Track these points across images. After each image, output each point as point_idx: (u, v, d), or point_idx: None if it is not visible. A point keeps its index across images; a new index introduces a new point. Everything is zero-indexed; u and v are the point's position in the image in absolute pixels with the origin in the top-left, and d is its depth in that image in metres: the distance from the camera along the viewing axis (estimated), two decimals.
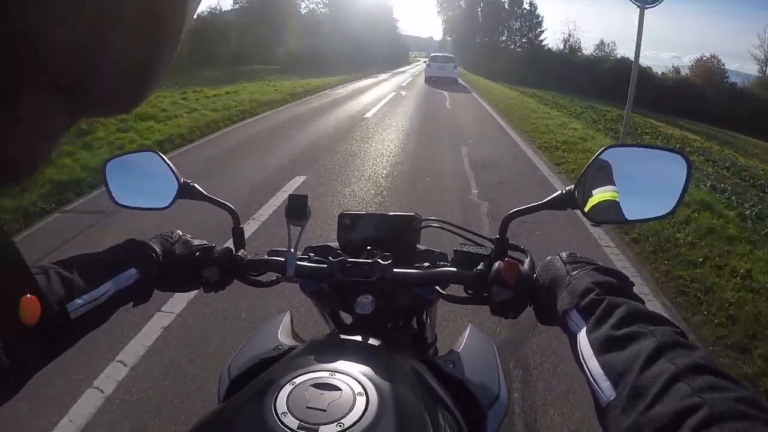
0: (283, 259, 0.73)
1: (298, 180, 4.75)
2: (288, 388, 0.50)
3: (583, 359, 0.45)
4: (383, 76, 25.53)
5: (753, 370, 2.16)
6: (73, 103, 0.19)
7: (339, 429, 0.45)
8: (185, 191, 0.75)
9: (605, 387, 0.41)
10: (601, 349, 0.43)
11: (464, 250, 0.73)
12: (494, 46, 39.70)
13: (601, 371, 0.42)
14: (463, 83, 21.44)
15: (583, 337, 0.46)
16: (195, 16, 0.23)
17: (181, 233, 0.73)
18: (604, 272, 0.54)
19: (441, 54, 23.87)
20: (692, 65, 33.00)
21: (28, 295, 0.42)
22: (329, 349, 0.63)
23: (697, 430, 0.32)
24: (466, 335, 0.85)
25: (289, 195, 0.73)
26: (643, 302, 0.49)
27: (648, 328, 0.43)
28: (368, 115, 9.66)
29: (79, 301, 0.51)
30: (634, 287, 0.53)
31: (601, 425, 0.41)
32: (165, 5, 0.19)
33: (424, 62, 27.73)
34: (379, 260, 0.70)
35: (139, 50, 0.19)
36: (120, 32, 0.17)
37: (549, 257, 0.62)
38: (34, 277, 0.47)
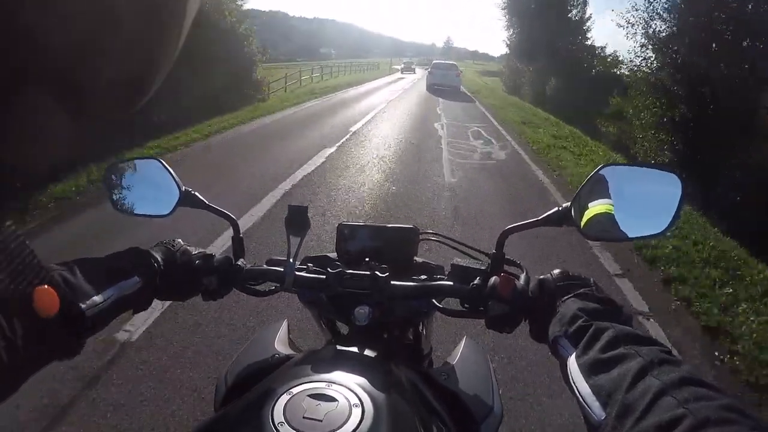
0: (281, 269, 0.74)
1: None
2: (285, 398, 0.50)
3: (574, 382, 0.47)
4: None
5: None
6: (74, 104, 0.19)
7: None
8: (186, 199, 0.76)
9: (595, 407, 0.42)
10: (590, 371, 0.45)
11: (461, 264, 0.74)
12: None
13: (590, 392, 0.43)
14: None
15: (572, 362, 0.48)
16: None
17: (182, 242, 0.74)
18: (591, 298, 0.56)
19: (444, 62, 23.64)
20: None
21: (45, 287, 0.42)
22: (326, 359, 0.63)
23: None
24: (461, 347, 0.85)
25: (289, 206, 0.74)
26: (631, 325, 0.51)
27: (634, 349, 0.44)
28: None
29: (82, 305, 0.51)
30: (623, 309, 0.55)
31: None
32: (164, 7, 0.19)
33: (427, 70, 23.19)
34: (377, 272, 0.71)
35: (140, 51, 0.19)
36: (120, 33, 0.17)
37: (542, 276, 0.63)
38: (46, 270, 0.47)
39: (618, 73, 18.16)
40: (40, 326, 0.43)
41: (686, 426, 0.34)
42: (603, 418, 0.41)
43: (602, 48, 22.81)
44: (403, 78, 32.59)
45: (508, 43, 28.32)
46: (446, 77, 20.12)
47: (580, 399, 0.45)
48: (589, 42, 23.53)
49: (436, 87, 19.74)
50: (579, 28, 23.68)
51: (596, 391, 0.43)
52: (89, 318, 0.51)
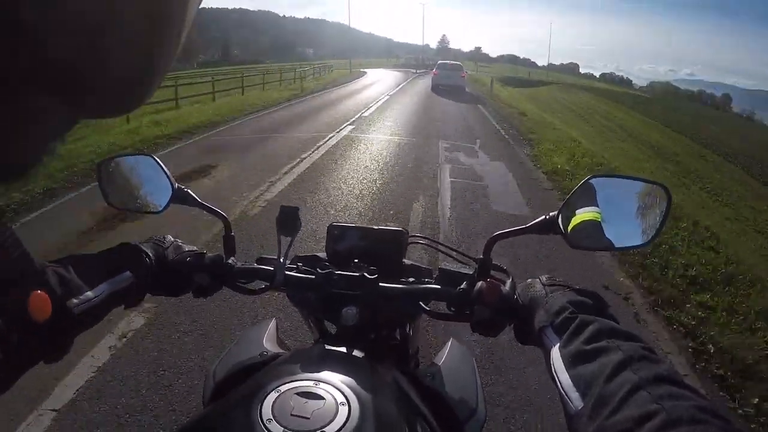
0: (272, 268, 0.74)
1: None
2: (273, 395, 0.51)
3: (555, 373, 0.48)
4: None
5: None
6: (74, 103, 0.19)
7: None
8: (179, 196, 0.76)
9: (574, 397, 0.43)
10: (572, 362, 0.46)
11: (448, 268, 0.76)
12: None
13: (570, 383, 0.45)
14: None
15: (555, 353, 0.49)
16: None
17: (172, 239, 0.74)
18: (579, 293, 0.57)
19: (448, 62, 23.48)
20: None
21: (38, 292, 0.42)
22: (314, 358, 0.64)
23: None
24: (447, 349, 0.87)
25: (281, 206, 0.74)
26: (617, 321, 0.52)
27: (616, 343, 0.45)
28: None
29: (75, 300, 0.51)
30: (609, 308, 0.55)
31: None
32: (165, 6, 0.19)
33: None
34: (366, 274, 0.72)
35: (140, 50, 0.19)
36: (121, 32, 0.17)
37: (529, 280, 0.65)
38: (42, 274, 0.47)
39: None
40: (32, 329, 0.44)
41: (658, 422, 0.35)
42: (580, 408, 0.42)
43: None
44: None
45: None
46: (451, 78, 20.12)
47: (561, 389, 0.46)
48: None
49: (441, 87, 19.61)
50: None
51: (576, 381, 0.44)
52: (81, 314, 0.51)
